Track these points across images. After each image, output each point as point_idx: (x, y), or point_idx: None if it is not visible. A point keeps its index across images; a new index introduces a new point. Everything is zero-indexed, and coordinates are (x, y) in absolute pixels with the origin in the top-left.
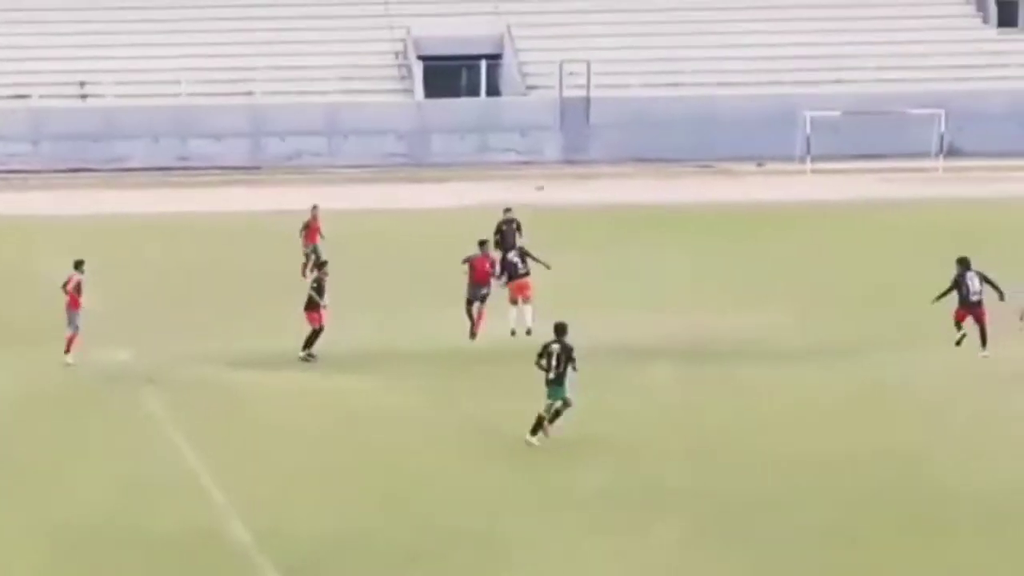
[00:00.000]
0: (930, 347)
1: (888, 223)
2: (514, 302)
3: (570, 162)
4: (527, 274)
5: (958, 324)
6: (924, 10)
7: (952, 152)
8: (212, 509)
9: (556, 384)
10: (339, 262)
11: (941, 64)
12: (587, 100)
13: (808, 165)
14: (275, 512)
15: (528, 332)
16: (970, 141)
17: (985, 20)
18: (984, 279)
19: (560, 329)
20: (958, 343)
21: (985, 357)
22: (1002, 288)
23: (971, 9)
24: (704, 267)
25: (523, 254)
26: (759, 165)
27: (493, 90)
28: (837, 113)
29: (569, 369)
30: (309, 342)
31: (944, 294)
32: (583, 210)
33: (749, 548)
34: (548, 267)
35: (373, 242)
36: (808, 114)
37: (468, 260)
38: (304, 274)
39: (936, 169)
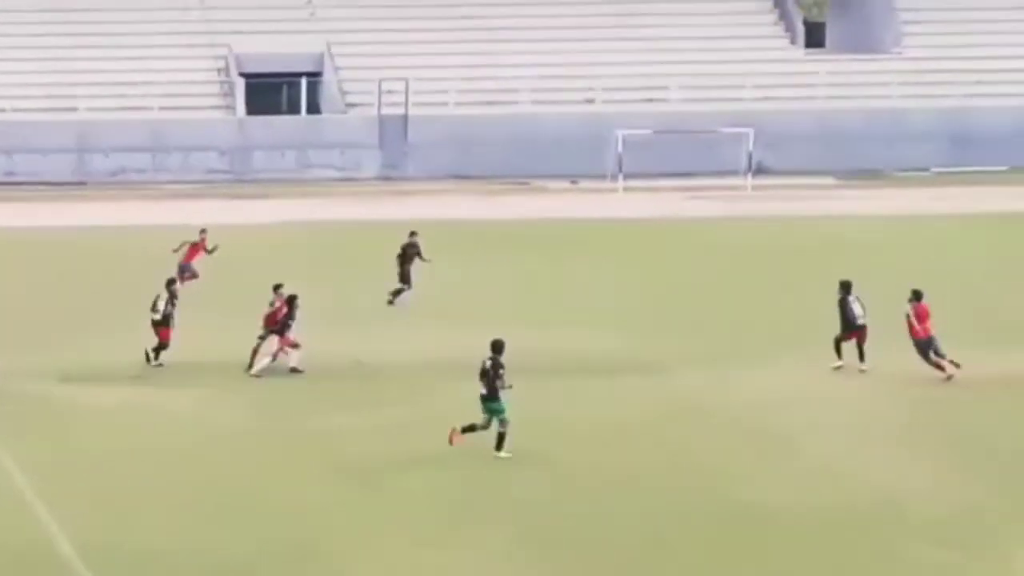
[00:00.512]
0: (743, 364)
1: (698, 240)
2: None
3: (388, 179)
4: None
5: (839, 348)
6: (734, 31)
7: (760, 170)
8: (38, 525)
9: (488, 400)
10: (163, 277)
11: (750, 84)
12: (405, 118)
13: (620, 183)
14: (102, 528)
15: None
16: (778, 160)
17: (793, 41)
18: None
19: (495, 346)
20: (837, 367)
21: (863, 371)
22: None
23: (779, 30)
24: (519, 282)
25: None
26: (573, 183)
27: (313, 107)
28: (648, 132)
29: (499, 385)
30: (158, 352)
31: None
32: (401, 227)
33: (567, 560)
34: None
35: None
36: (620, 133)
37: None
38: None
39: (745, 187)
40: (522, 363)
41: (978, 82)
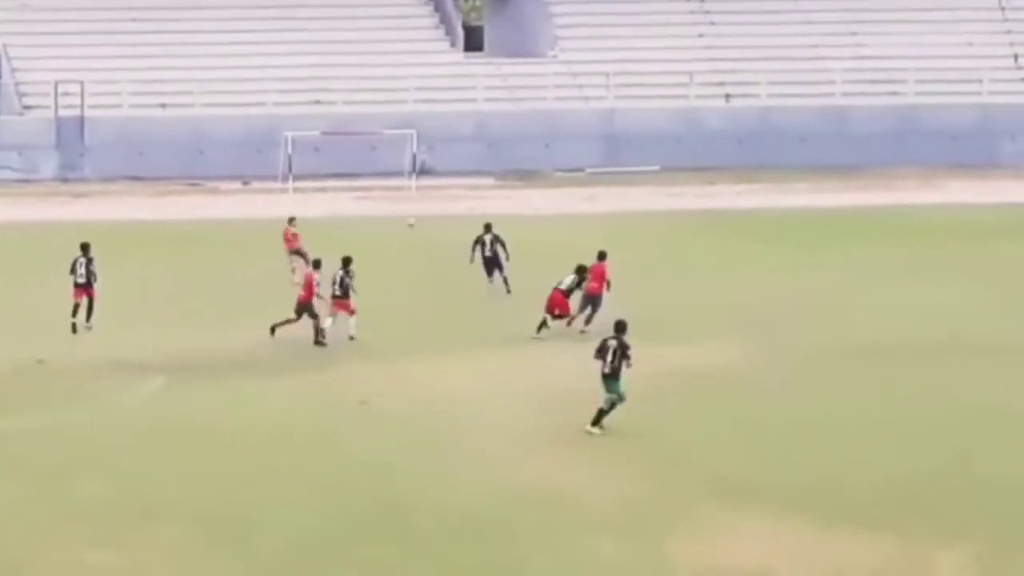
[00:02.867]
0: (413, 361)
1: (363, 239)
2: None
3: (66, 180)
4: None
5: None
6: (395, 35)
7: (424, 171)
8: None
9: (612, 378)
10: None
11: (412, 87)
12: (81, 119)
13: (290, 184)
14: None
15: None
16: (440, 161)
17: (453, 44)
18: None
19: (619, 326)
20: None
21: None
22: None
23: (440, 34)
24: (192, 283)
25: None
26: (244, 184)
27: None
28: (315, 133)
29: (624, 365)
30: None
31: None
32: (74, 227)
33: (241, 560)
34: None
35: None
36: (288, 135)
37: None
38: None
39: (409, 187)
40: (195, 363)
41: (629, 84)
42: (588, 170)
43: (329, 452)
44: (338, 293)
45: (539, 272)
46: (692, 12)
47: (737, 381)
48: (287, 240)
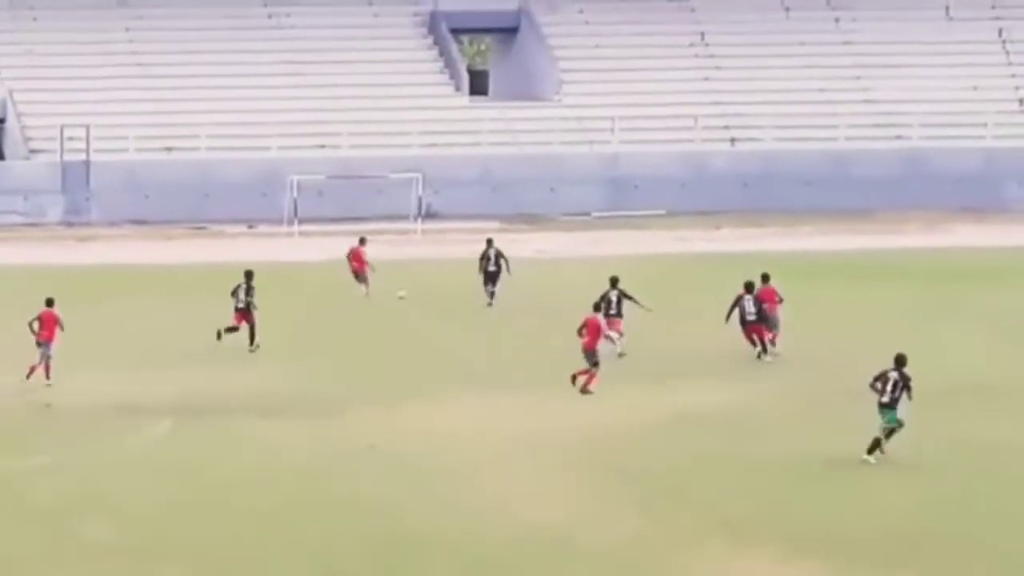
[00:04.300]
0: (414, 402)
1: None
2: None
3: (71, 224)
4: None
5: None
6: (400, 79)
7: (430, 215)
8: None
9: (889, 408)
10: None
11: (417, 131)
12: (87, 163)
13: (295, 227)
14: None
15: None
16: (446, 204)
17: (457, 88)
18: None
19: (900, 360)
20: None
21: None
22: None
23: (444, 78)
24: (198, 325)
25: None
26: (250, 227)
27: None
28: (321, 177)
29: (904, 396)
30: None
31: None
32: (80, 270)
33: None
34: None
35: None
36: (294, 178)
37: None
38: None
39: (415, 231)
40: (198, 404)
41: (634, 128)
42: (594, 214)
43: (335, 493)
44: (613, 312)
45: (549, 315)
46: (697, 56)
47: (741, 420)
48: (359, 261)
